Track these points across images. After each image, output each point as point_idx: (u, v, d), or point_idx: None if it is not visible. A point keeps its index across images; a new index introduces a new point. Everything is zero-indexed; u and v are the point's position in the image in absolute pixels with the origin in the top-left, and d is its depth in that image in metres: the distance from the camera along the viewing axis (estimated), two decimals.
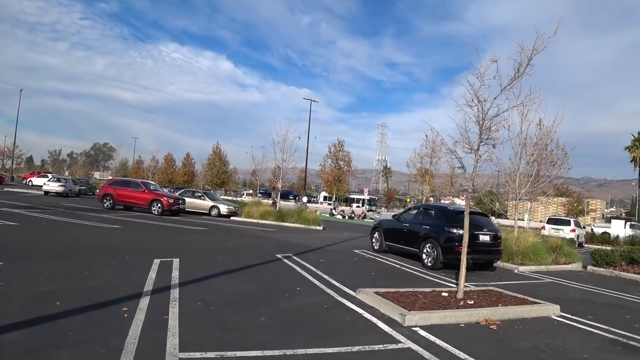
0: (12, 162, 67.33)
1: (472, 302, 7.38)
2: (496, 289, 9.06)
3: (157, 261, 9.53)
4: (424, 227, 12.76)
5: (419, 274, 11.32)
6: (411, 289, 8.09)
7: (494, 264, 13.28)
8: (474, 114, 7.50)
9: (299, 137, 29.61)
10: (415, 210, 14.03)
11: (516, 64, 7.20)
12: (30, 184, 51.87)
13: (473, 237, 11.77)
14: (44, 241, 11.58)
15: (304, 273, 9.77)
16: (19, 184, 54.41)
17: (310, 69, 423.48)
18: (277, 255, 12.05)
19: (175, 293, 6.99)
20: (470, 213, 13.16)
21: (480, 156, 7.45)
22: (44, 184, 35.63)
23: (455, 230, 11.78)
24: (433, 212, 13.06)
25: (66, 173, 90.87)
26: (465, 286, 7.92)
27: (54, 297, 6.23)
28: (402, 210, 28.03)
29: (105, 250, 10.78)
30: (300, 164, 36.82)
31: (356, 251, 14.89)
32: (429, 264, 12.15)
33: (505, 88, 7.31)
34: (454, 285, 9.79)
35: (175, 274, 8.48)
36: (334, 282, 9.00)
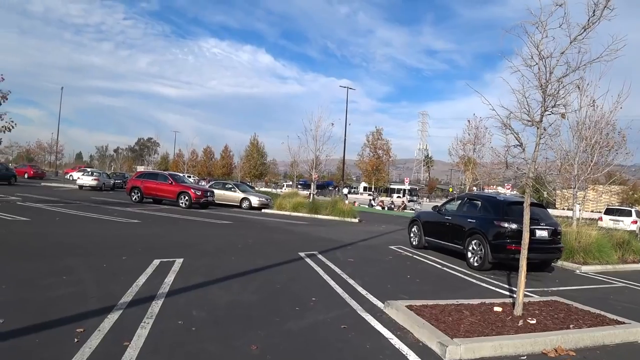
0: (56, 157, 68.57)
1: (534, 321, 5.68)
2: (561, 299, 7.30)
3: (156, 262, 8.26)
4: (469, 220, 10.99)
5: (463, 276, 9.62)
6: (454, 302, 6.43)
7: (552, 264, 11.42)
8: (534, 75, 5.77)
9: (332, 124, 28.05)
10: (459, 201, 12.22)
11: (590, 6, 5.41)
12: (71, 178, 52.46)
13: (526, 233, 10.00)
14: (42, 238, 10.49)
15: (325, 277, 8.25)
16: (61, 178, 55.14)
17: (349, 59, 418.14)
18: (299, 254, 10.58)
19: (156, 306, 5.62)
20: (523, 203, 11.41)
21: (545, 129, 5.71)
22: (78, 178, 35.47)
23: (506, 225, 9.99)
24: (480, 203, 11.25)
25: (112, 168, 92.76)
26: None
27: (3, 310, 4.98)
28: (443, 200, 26.05)
29: (104, 249, 9.59)
30: (337, 154, 35.36)
31: (392, 247, 13.25)
32: (475, 264, 10.42)
33: (576, 38, 5.54)
34: (507, 293, 8.09)
35: (170, 278, 7.15)
36: (359, 289, 7.45)
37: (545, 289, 8.81)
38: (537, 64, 5.76)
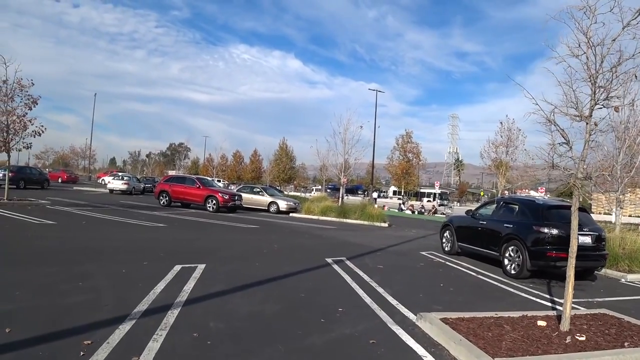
0: (89, 162, 69.92)
1: (583, 337, 5.12)
2: (610, 312, 6.66)
3: (177, 267, 7.96)
4: (505, 225, 10.37)
5: (500, 285, 9.03)
6: (493, 314, 5.91)
7: (594, 272, 10.70)
8: (582, 66, 5.23)
9: (361, 127, 27.58)
10: (495, 205, 11.58)
11: None
12: (103, 182, 53.38)
13: (569, 239, 9.34)
14: (65, 242, 10.35)
15: (353, 285, 7.80)
16: (94, 183, 56.13)
17: (378, 63, 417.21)
18: (327, 260, 10.16)
19: (172, 316, 5.28)
20: (564, 207, 10.67)
21: (596, 124, 5.15)
22: (108, 182, 35.93)
23: (546, 230, 9.36)
24: (517, 207, 10.59)
25: (144, 172, 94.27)
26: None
27: (12, 319, 4.77)
28: (477, 204, 25.13)
29: (126, 253, 9.37)
30: (366, 157, 34.87)
31: (423, 253, 12.70)
32: (512, 272, 9.80)
33: (629, 23, 4.98)
34: (549, 304, 7.50)
35: (190, 285, 6.83)
36: (390, 298, 6.98)
37: (590, 300, 8.16)
38: (584, 52, 5.22)
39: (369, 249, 12.79)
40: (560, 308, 7.19)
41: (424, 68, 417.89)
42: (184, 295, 6.24)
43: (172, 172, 79.32)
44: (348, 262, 10.05)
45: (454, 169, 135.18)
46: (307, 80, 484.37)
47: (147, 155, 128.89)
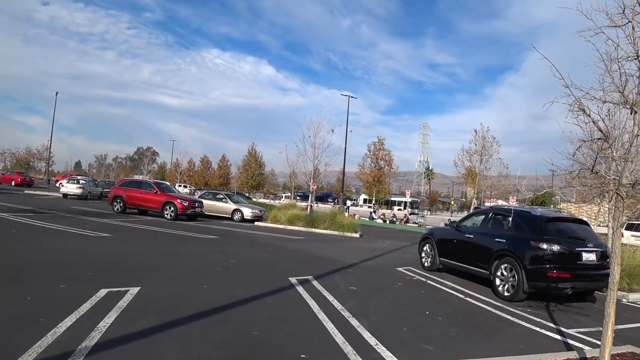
0: (47, 164, 66.78)
1: None
2: (638, 350, 5.37)
3: (102, 292, 6.37)
4: (497, 240, 9.03)
5: (494, 310, 7.64)
6: None
7: (594, 292, 9.52)
8: (626, 37, 3.92)
9: (332, 130, 26.22)
10: (483, 216, 10.25)
11: None
12: (60, 186, 50.64)
13: (573, 256, 8.14)
14: None
15: (321, 315, 6.29)
16: (52, 186, 53.21)
17: (351, 72, 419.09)
18: (290, 279, 8.66)
19: None
20: (565, 220, 9.43)
21: None
22: (62, 186, 33.58)
23: (546, 246, 8.07)
24: (510, 218, 9.23)
25: (109, 177, 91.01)
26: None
27: None
28: (448, 213, 24.01)
29: (45, 272, 7.66)
30: (336, 165, 33.63)
31: (400, 269, 11.29)
32: (506, 294, 8.46)
33: None
34: (558, 337, 6.22)
35: (109, 320, 5.22)
36: (366, 335, 5.51)
37: (601, 329, 6.86)
38: (630, 21, 3.91)
39: (339, 264, 11.32)
40: (576, 343, 5.91)
41: (397, 78, 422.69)
42: (94, 337, 4.63)
43: (137, 177, 76.41)
44: (315, 283, 8.57)
45: (424, 178, 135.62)
46: (279, 87, 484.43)
47: (114, 159, 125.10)
